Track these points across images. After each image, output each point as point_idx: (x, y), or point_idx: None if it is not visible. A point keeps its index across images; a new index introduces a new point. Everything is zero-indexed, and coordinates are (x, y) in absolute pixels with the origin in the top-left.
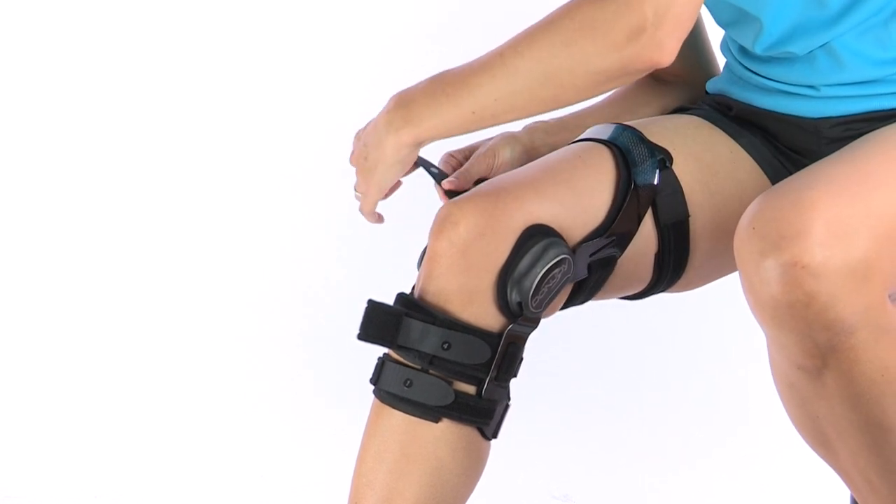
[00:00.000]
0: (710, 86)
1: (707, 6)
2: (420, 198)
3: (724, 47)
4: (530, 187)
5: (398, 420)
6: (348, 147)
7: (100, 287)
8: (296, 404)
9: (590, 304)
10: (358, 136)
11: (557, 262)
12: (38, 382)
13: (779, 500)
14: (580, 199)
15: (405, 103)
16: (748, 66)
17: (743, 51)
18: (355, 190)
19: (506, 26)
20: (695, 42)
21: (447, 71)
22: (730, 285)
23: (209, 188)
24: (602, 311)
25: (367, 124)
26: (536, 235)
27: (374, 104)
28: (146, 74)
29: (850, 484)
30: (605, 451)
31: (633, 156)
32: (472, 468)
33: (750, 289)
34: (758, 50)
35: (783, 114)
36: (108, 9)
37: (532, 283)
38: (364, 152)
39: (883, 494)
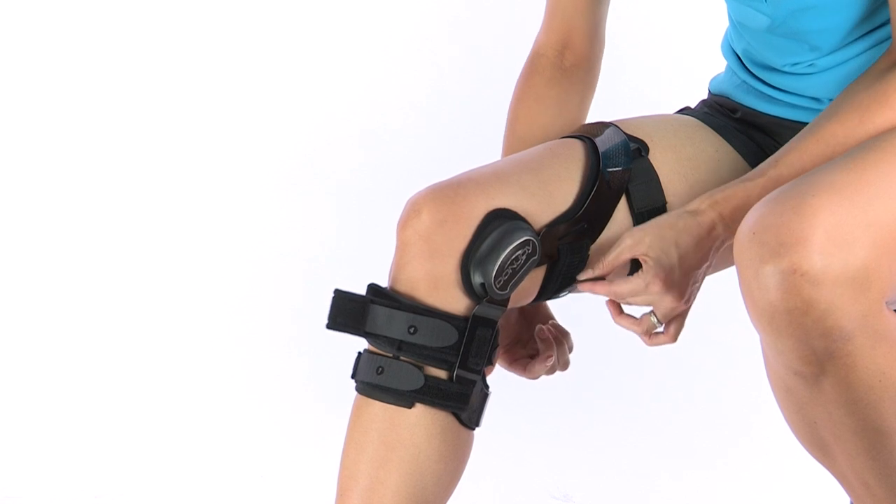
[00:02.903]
0: (713, 86)
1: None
2: None
3: (727, 50)
4: (493, 176)
5: (376, 409)
6: (348, 148)
7: (100, 288)
8: (296, 404)
9: (590, 302)
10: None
11: (521, 243)
12: (38, 382)
13: (780, 500)
14: (546, 186)
15: None
16: (756, 74)
17: (754, 59)
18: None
19: (505, 27)
20: (597, 24)
21: None
22: (733, 285)
23: (209, 189)
24: (602, 311)
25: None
26: (499, 219)
27: (374, 104)
28: (145, 75)
29: (848, 488)
30: (604, 451)
31: (604, 145)
32: (452, 455)
33: (748, 294)
34: (778, 64)
35: (787, 119)
36: (108, 9)
37: (495, 265)
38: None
39: (880, 498)
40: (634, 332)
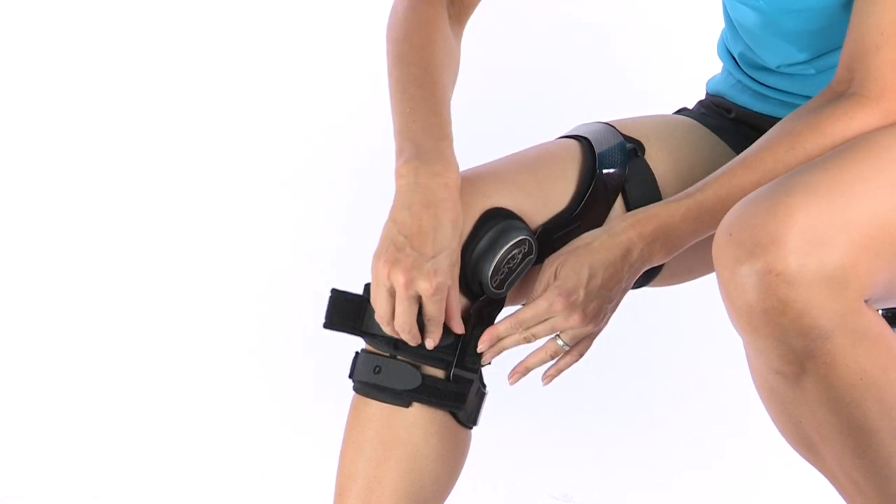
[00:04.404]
0: (710, 86)
1: (738, 15)
2: None
3: (723, 51)
4: (490, 175)
5: (374, 409)
6: (347, 148)
7: (100, 287)
8: (296, 404)
9: None
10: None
11: (517, 242)
12: (38, 382)
13: (780, 500)
14: (542, 185)
15: None
16: (751, 75)
17: (749, 60)
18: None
19: (505, 26)
20: None
21: None
22: None
23: (209, 189)
24: None
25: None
26: (495, 218)
27: (372, 104)
28: (146, 75)
29: (838, 486)
30: (604, 450)
31: (601, 145)
32: (450, 454)
33: (726, 295)
34: (772, 64)
35: (780, 118)
36: (108, 9)
37: (491, 263)
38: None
39: (870, 496)
40: (541, 360)
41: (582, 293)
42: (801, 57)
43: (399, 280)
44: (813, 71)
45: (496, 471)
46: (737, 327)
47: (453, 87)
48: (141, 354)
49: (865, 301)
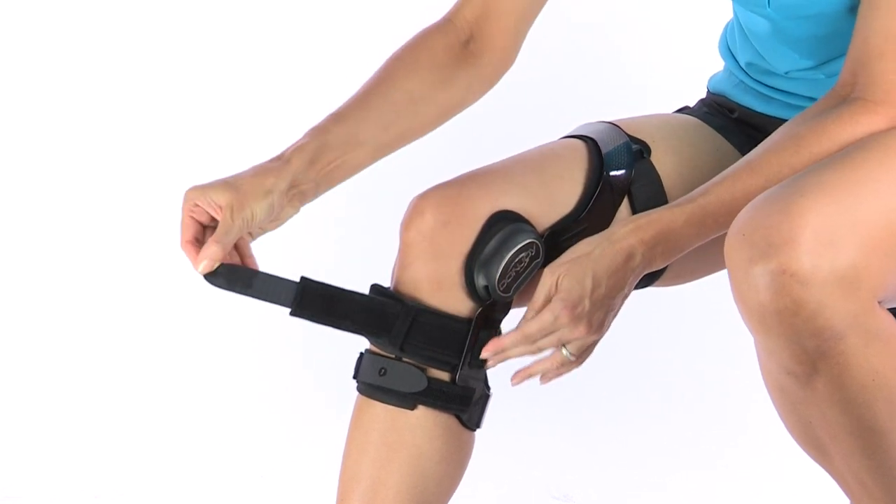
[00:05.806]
0: (712, 84)
1: (752, 24)
2: None
3: (725, 50)
4: (498, 176)
5: (378, 410)
6: None
7: (100, 287)
8: (296, 404)
9: None
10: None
11: (524, 246)
12: (38, 382)
13: (780, 500)
14: (549, 187)
15: None
16: (758, 79)
17: (757, 68)
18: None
19: None
20: (518, 23)
21: None
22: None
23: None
24: None
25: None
26: (502, 221)
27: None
28: (146, 76)
29: (845, 487)
30: (605, 450)
31: (607, 147)
32: (454, 456)
33: (739, 295)
34: (781, 70)
35: (783, 119)
36: (107, 9)
37: (499, 267)
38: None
39: (877, 498)
40: (545, 370)
41: (587, 303)
42: (810, 63)
43: None
44: (822, 76)
45: (497, 470)
46: (749, 327)
47: (401, 119)
48: (141, 354)
49: (878, 302)
